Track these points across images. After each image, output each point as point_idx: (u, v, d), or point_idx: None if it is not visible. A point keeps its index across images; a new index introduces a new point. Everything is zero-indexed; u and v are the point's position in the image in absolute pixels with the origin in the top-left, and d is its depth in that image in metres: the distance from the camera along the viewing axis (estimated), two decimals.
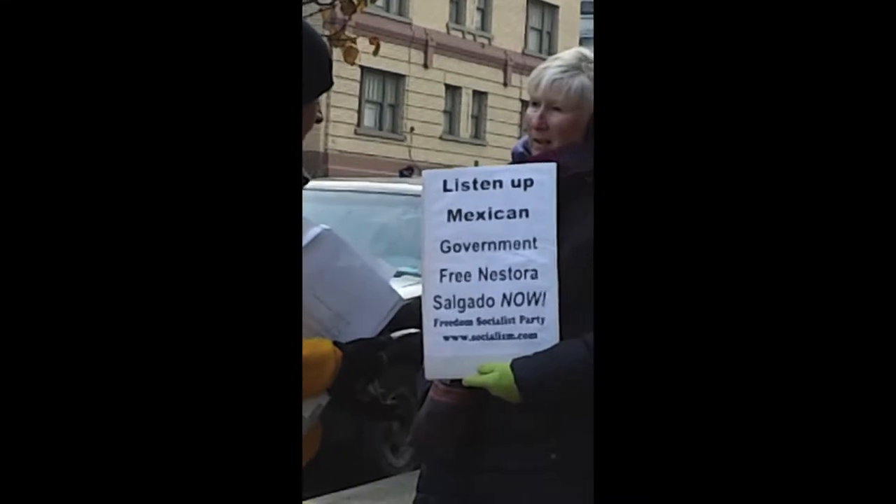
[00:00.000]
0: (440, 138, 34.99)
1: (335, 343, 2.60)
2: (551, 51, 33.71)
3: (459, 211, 2.85)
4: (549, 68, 2.89)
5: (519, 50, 37.61)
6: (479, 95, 36.80)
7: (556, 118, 2.86)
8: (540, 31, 39.28)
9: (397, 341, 5.46)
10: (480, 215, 2.84)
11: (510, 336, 2.81)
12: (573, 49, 2.99)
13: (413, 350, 2.93)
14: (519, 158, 2.93)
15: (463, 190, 2.85)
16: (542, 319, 2.80)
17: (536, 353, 2.78)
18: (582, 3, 40.93)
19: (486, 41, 37.00)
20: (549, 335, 2.79)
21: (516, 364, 2.77)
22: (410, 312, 2.82)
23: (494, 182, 2.84)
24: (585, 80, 2.85)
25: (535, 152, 2.90)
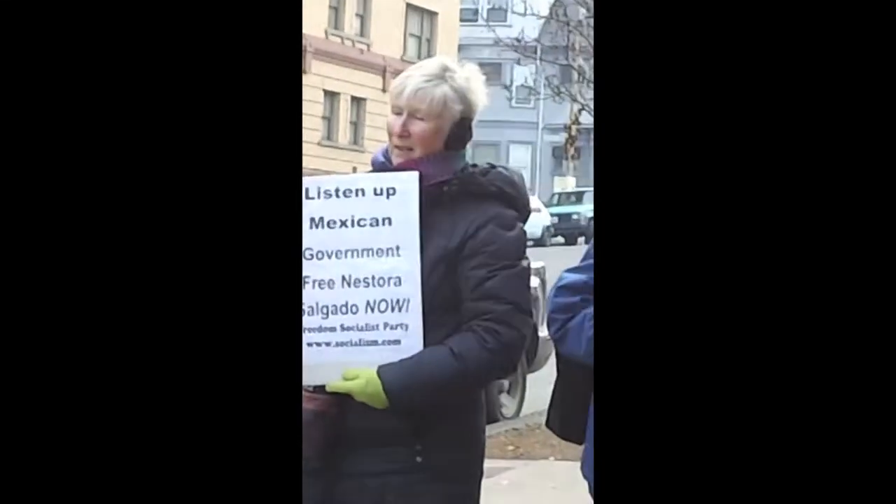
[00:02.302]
0: (318, 144, 34.83)
1: None
2: (430, 57, 33.73)
3: (322, 218, 2.87)
4: (413, 77, 2.92)
5: (398, 56, 37.59)
6: (358, 101, 36.73)
7: (418, 127, 2.88)
8: (419, 38, 39.32)
9: None
10: (343, 223, 2.87)
11: (374, 342, 2.85)
12: (436, 58, 3.04)
13: None
14: (379, 167, 2.96)
15: (325, 198, 2.87)
16: (406, 326, 2.83)
17: (403, 360, 2.81)
18: (461, 10, 41.09)
19: (364, 47, 36.95)
20: (412, 341, 2.83)
21: (383, 370, 2.81)
22: None
23: (357, 190, 2.87)
24: (448, 90, 2.89)
25: (396, 160, 2.92)
